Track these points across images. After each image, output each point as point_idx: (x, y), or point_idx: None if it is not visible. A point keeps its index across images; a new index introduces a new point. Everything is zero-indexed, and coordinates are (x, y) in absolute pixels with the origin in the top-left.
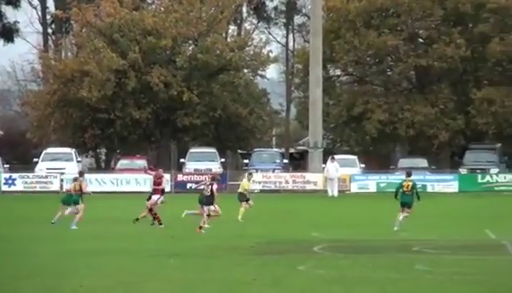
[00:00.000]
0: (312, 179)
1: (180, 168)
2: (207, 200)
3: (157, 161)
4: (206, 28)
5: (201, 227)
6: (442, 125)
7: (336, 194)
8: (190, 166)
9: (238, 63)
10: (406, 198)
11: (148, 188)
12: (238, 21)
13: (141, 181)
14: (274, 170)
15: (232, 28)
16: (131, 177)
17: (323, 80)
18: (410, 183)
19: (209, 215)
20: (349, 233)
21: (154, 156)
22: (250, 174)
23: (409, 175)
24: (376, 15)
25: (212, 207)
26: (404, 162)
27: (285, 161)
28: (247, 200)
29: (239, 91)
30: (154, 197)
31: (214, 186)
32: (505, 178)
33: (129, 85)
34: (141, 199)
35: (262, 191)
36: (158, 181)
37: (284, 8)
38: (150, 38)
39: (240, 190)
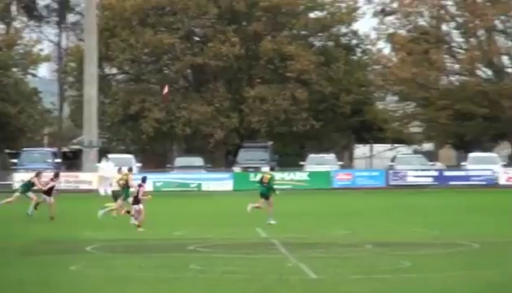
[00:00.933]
0: (86, 178)
1: None
2: (134, 200)
3: None
4: None
5: (139, 225)
6: (218, 124)
7: (110, 193)
8: None
9: (7, 61)
10: (264, 189)
11: None
12: (7, 20)
13: None
14: (45, 170)
15: (1, 27)
16: None
17: (98, 78)
18: (269, 176)
19: (128, 212)
20: (123, 233)
21: None
22: (131, 169)
23: (271, 169)
24: (152, 13)
25: (137, 207)
26: (180, 161)
27: (57, 160)
28: (117, 197)
29: (8, 90)
30: None
31: (142, 188)
32: (275, 176)
33: None
34: None
35: (33, 191)
36: None
37: (56, 6)
38: None
39: (114, 187)
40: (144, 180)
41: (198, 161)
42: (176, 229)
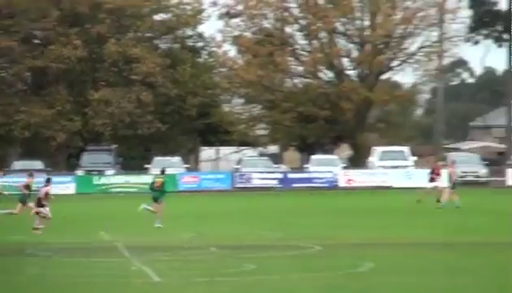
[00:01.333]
0: None
1: None
2: (39, 202)
3: None
4: None
5: (37, 228)
6: (59, 127)
7: None
8: None
9: None
10: (155, 193)
11: None
12: None
13: None
14: None
15: None
16: None
17: None
18: (161, 180)
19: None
20: None
21: None
22: (31, 173)
23: (162, 172)
24: None
25: (43, 210)
26: (19, 164)
27: None
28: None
29: None
30: None
31: (48, 188)
32: (120, 179)
33: None
34: None
35: None
36: None
37: None
38: None
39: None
40: (48, 180)
41: (38, 164)
42: (15, 233)
